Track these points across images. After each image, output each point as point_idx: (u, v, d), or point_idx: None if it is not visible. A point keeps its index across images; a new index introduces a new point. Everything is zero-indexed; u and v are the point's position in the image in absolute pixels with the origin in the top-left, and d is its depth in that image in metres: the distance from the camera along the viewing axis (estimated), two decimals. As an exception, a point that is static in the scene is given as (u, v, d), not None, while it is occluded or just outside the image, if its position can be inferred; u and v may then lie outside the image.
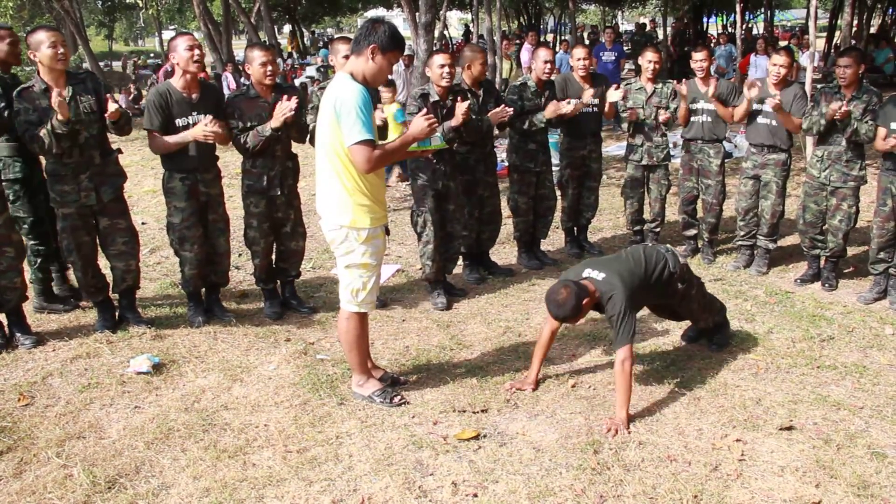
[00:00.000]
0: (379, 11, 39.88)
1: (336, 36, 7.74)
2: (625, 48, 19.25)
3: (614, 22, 40.13)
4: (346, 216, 3.75)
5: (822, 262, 5.89)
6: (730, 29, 26.50)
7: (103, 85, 4.85)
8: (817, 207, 5.73)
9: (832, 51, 20.01)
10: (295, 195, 5.21)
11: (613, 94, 6.18)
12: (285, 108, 4.75)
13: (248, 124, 4.88)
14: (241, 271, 6.22)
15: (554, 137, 6.69)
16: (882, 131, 5.27)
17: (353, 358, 4.06)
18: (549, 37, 33.00)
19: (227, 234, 5.19)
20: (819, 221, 5.77)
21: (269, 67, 4.88)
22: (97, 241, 4.94)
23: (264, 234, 5.16)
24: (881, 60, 17.82)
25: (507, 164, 6.48)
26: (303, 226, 5.34)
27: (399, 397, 4.05)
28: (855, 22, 18.25)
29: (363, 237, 3.77)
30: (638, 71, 6.61)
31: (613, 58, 13.61)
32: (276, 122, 4.78)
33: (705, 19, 30.04)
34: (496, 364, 4.55)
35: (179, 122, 4.75)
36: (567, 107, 5.80)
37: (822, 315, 5.26)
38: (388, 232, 3.96)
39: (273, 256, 5.34)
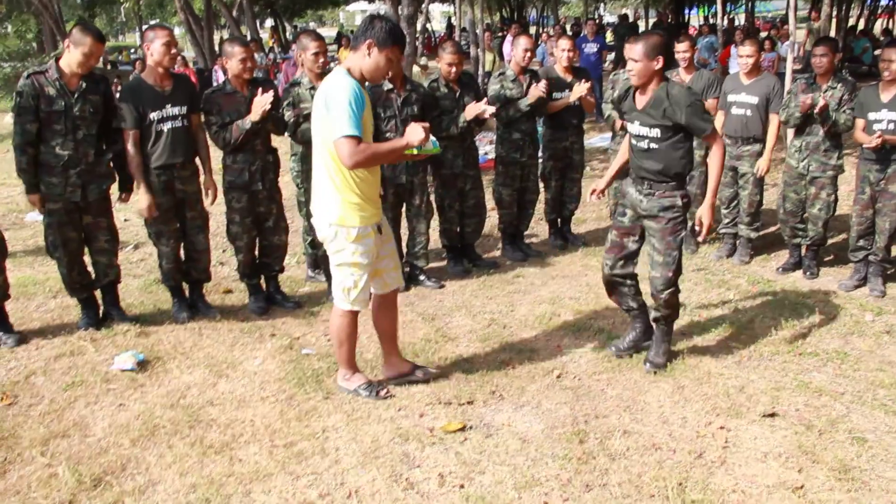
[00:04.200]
0: (361, 5, 39.77)
1: (301, 30, 7.72)
2: (607, 40, 19.30)
3: (597, 14, 40.16)
4: (335, 213, 3.72)
5: (804, 251, 5.95)
6: (711, 20, 26.59)
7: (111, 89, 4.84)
8: (797, 197, 5.79)
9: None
10: (277, 190, 5.20)
11: (577, 91, 6.06)
12: (264, 100, 4.76)
13: (227, 119, 4.86)
14: (226, 267, 6.19)
15: (539, 129, 6.69)
16: (860, 122, 5.33)
17: (342, 354, 4.06)
18: (532, 29, 32.99)
19: (206, 231, 5.17)
20: (799, 210, 5.82)
21: (248, 63, 4.89)
22: (83, 238, 4.91)
23: (247, 230, 5.14)
24: (859, 51, 17.95)
25: (490, 156, 6.48)
26: (285, 220, 5.33)
27: (385, 391, 4.05)
28: (834, 13, 18.36)
29: (353, 236, 3.74)
30: (623, 62, 6.62)
31: (595, 49, 13.63)
32: (255, 115, 4.78)
33: (687, 11, 30.13)
34: (481, 356, 4.56)
35: (154, 115, 4.72)
36: (541, 88, 5.84)
37: (803, 303, 5.31)
38: (380, 231, 3.91)
39: (256, 252, 5.32)
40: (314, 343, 4.78)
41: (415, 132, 3.65)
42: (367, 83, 3.73)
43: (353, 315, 3.97)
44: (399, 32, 3.68)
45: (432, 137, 3.79)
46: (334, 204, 3.71)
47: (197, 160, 5.07)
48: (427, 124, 3.71)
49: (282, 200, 5.29)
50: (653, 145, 4.08)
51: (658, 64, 3.99)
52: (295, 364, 4.46)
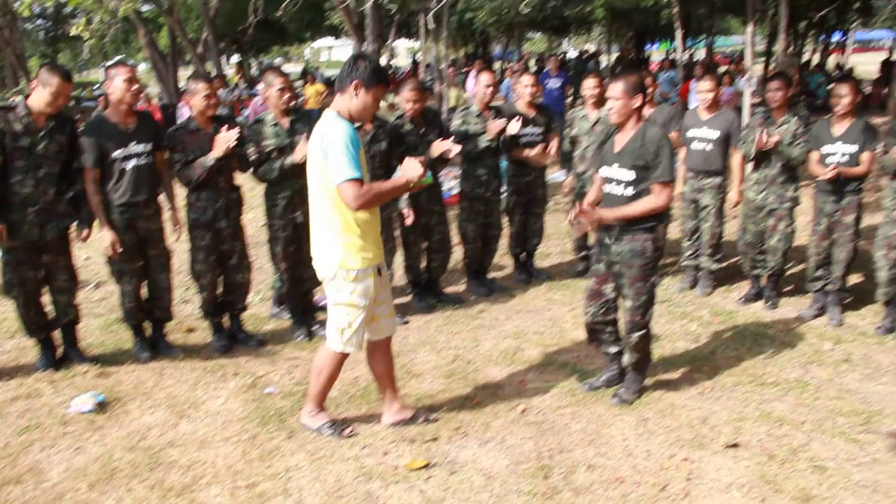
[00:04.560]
0: (327, 41, 40.04)
1: (266, 66, 7.71)
2: (571, 75, 19.57)
3: (560, 50, 40.78)
4: (337, 256, 3.71)
5: (764, 281, 6.04)
6: (672, 55, 27.15)
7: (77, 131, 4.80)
8: (756, 228, 5.88)
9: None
10: (240, 227, 5.18)
11: (536, 153, 6.19)
12: (228, 137, 4.76)
13: (191, 157, 4.85)
14: (189, 305, 6.12)
15: (502, 164, 6.74)
16: (815, 155, 5.46)
17: (316, 391, 4.02)
18: (497, 64, 33.42)
19: (169, 270, 5.12)
20: (758, 242, 5.92)
21: (212, 100, 4.89)
22: (42, 277, 4.83)
23: (210, 267, 5.10)
24: (814, 85, 18.44)
25: (455, 191, 6.51)
26: (248, 258, 5.29)
27: (349, 430, 4.02)
28: (791, 48, 18.89)
29: (352, 277, 3.73)
30: (581, 98, 6.70)
31: (559, 85, 13.82)
32: (218, 151, 4.77)
33: (648, 46, 30.76)
34: (446, 392, 4.55)
35: (117, 153, 4.69)
36: (499, 124, 5.88)
37: (764, 333, 5.39)
38: (380, 273, 3.87)
39: (220, 289, 5.28)
40: (277, 381, 4.73)
41: (412, 168, 3.69)
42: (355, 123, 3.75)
43: (343, 357, 3.93)
44: (383, 71, 3.73)
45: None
46: (336, 246, 3.70)
47: (161, 198, 5.04)
48: (423, 157, 3.74)
49: (245, 238, 5.27)
50: (627, 191, 4.10)
51: (637, 102, 4.06)
52: (258, 403, 4.41)
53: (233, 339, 5.34)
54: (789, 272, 6.22)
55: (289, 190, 5.12)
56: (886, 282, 5.32)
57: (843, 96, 5.34)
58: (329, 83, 14.21)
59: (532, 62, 26.59)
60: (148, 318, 5.16)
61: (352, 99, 3.64)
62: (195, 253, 5.09)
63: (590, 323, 4.44)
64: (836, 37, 26.26)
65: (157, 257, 5.01)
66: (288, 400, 4.43)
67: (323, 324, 5.48)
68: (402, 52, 41.91)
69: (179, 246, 5.34)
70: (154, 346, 5.17)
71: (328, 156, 3.54)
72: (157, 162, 4.91)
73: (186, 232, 5.09)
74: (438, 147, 5.48)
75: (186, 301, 6.20)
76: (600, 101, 6.43)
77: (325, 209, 3.68)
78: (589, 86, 6.39)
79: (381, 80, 3.68)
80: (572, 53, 35.41)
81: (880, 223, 5.36)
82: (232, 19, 20.67)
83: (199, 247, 5.05)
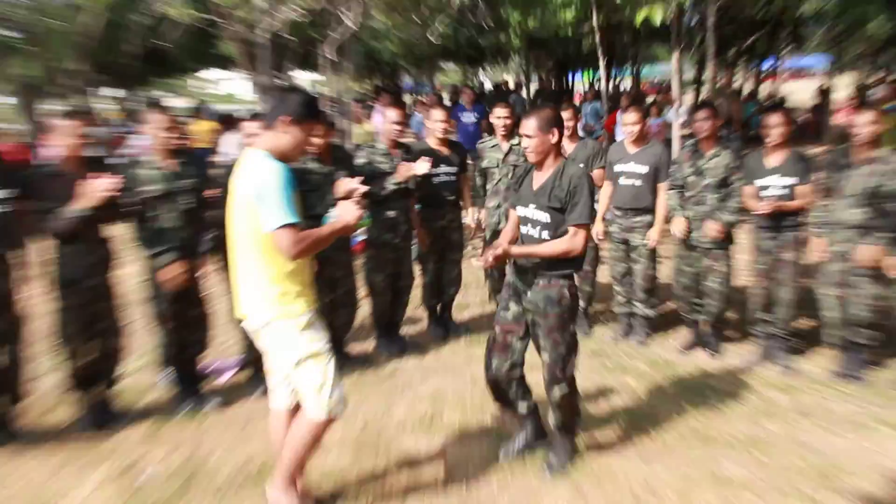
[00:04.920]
0: (216, 73, 39.78)
1: (148, 101, 7.58)
2: (486, 108, 19.85)
3: (475, 81, 41.46)
4: (276, 308, 3.59)
5: (704, 327, 6.12)
6: (596, 85, 27.90)
7: None
8: (691, 270, 5.98)
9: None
10: (112, 285, 5.00)
11: (421, 167, 6.15)
12: (103, 186, 4.58)
13: (55, 204, 4.65)
14: (52, 376, 5.82)
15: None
16: (749, 189, 5.60)
17: (291, 465, 3.83)
18: (408, 97, 33.71)
19: (20, 340, 4.86)
20: (695, 284, 6.01)
21: (80, 139, 4.74)
22: None
23: (79, 332, 4.88)
24: (747, 115, 19.18)
25: (361, 238, 6.43)
26: (122, 321, 5.10)
27: None
28: (724, 78, 19.62)
29: (302, 324, 3.62)
30: (492, 130, 6.76)
31: (474, 119, 13.87)
32: (89, 201, 4.58)
33: (571, 76, 31.52)
34: (354, 466, 4.42)
35: None
36: (422, 166, 5.84)
37: (707, 384, 5.45)
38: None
39: (91, 357, 5.04)
40: (160, 460, 4.52)
41: (349, 211, 3.64)
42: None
43: (327, 424, 3.75)
44: (315, 104, 3.68)
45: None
46: (272, 298, 3.58)
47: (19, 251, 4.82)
48: (357, 199, 3.66)
49: (118, 297, 5.06)
50: (544, 234, 4.11)
51: (554, 137, 4.09)
52: (134, 492, 4.19)
53: (105, 415, 5.09)
54: (731, 315, 6.33)
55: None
56: (837, 324, 5.45)
57: (775, 126, 5.52)
58: (223, 120, 14.03)
59: (445, 94, 26.91)
60: None
61: (281, 136, 3.57)
62: (61, 315, 4.87)
63: (492, 379, 4.37)
64: (768, 64, 27.46)
65: (6, 325, 4.75)
66: (170, 484, 4.23)
67: (210, 394, 5.35)
68: (305, 85, 41.91)
69: (40, 308, 5.09)
70: (3, 428, 4.87)
71: (263, 200, 3.43)
72: (21, 209, 4.70)
73: (51, 292, 4.85)
74: (343, 186, 5.39)
75: (52, 371, 5.90)
76: (511, 130, 6.48)
77: (257, 259, 3.57)
78: (499, 115, 6.45)
79: (314, 114, 3.64)
80: (489, 85, 36.06)
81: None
82: (106, 48, 20.26)
83: (66, 307, 4.84)
